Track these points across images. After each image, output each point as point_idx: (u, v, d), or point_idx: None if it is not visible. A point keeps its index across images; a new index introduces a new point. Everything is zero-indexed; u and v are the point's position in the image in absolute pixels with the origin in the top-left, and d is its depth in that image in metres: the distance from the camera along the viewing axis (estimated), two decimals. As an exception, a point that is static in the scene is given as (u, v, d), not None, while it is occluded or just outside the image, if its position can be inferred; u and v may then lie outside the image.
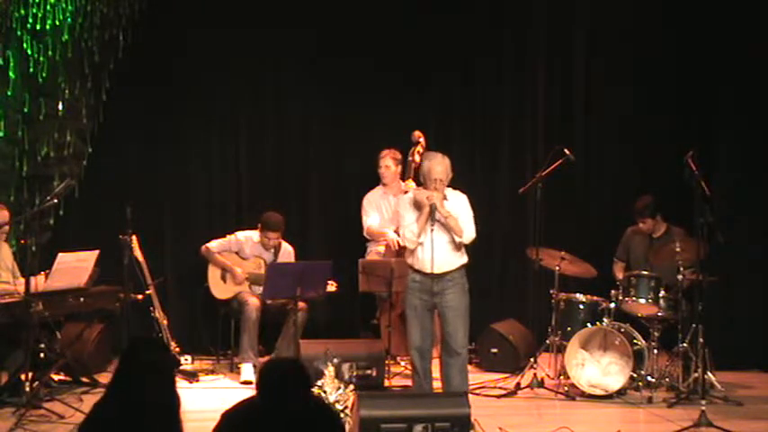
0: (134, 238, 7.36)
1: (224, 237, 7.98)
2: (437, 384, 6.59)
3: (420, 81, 8.69)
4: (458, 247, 6.36)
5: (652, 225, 7.67)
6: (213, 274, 7.93)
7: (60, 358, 6.94)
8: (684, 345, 7.10)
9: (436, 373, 6.59)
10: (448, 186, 6.41)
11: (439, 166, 6.30)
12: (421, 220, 6.27)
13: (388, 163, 8.02)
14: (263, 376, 3.45)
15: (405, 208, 6.47)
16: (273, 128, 8.77)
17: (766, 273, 8.15)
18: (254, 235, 7.93)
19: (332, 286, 7.53)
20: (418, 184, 7.78)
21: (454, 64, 8.77)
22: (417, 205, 6.34)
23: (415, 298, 6.41)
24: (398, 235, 7.81)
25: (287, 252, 8.00)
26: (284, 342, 7.56)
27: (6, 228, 7.11)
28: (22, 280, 6.55)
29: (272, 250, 7.94)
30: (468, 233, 6.36)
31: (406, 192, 7.88)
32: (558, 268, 7.44)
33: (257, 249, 7.94)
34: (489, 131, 8.94)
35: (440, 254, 6.24)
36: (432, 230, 6.25)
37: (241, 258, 7.94)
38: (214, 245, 7.93)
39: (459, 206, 6.37)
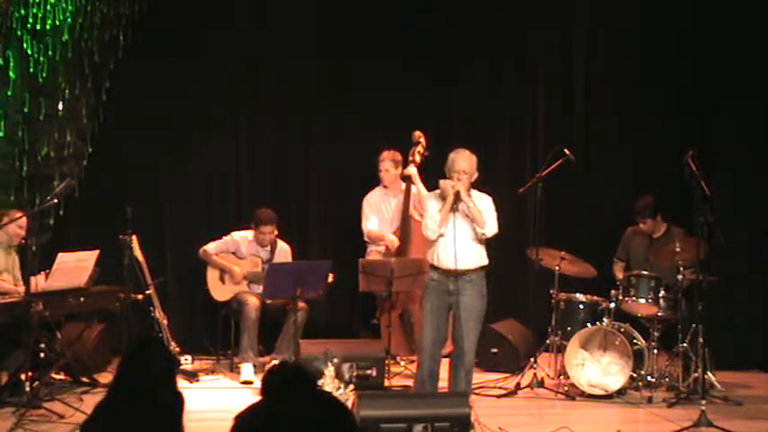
0: (134, 238, 7.36)
1: (220, 238, 7.99)
2: (442, 385, 6.55)
3: (420, 81, 8.69)
4: (480, 243, 6.29)
5: (652, 225, 7.67)
6: (212, 276, 7.94)
7: (60, 358, 6.94)
8: (684, 345, 7.10)
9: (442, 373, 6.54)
10: (473, 188, 6.37)
11: (463, 159, 6.26)
12: (444, 209, 6.18)
13: (388, 166, 8.01)
14: (265, 385, 3.41)
15: (429, 199, 6.42)
16: (273, 128, 8.78)
17: (766, 273, 8.15)
18: (250, 234, 7.95)
19: (330, 277, 7.52)
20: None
21: (454, 64, 8.77)
22: (442, 196, 6.29)
23: (433, 298, 6.32)
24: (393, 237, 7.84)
25: (284, 251, 8.01)
26: (284, 342, 7.56)
27: (22, 232, 7.01)
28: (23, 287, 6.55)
29: (269, 248, 7.94)
30: (491, 226, 6.29)
31: (405, 191, 7.90)
32: (558, 268, 7.44)
33: (254, 248, 7.94)
34: (489, 131, 8.94)
35: (462, 248, 6.15)
36: (455, 220, 6.17)
37: (238, 258, 7.95)
38: (211, 247, 7.94)
39: (483, 204, 6.31)
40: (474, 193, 6.33)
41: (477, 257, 6.31)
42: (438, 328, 6.33)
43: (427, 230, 6.29)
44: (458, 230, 6.16)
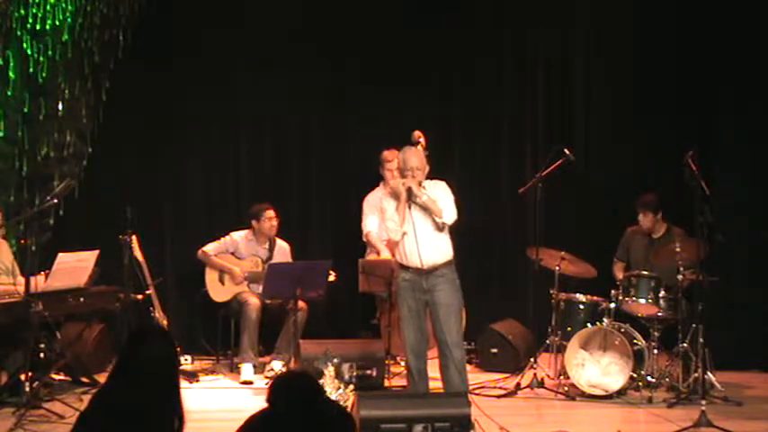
0: (134, 238, 7.36)
1: (219, 239, 7.99)
2: (434, 384, 6.54)
3: (420, 81, 8.69)
4: (443, 233, 6.29)
5: (652, 220, 7.65)
6: (211, 277, 7.93)
7: (60, 358, 6.94)
8: (684, 345, 7.09)
9: (434, 373, 6.54)
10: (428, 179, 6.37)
11: (414, 157, 6.31)
12: (400, 207, 6.21)
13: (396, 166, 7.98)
14: (273, 393, 3.37)
15: (385, 201, 6.45)
16: (273, 128, 8.78)
17: (766, 273, 8.14)
18: (249, 233, 7.94)
19: (331, 276, 7.52)
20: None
21: (454, 64, 8.78)
22: (395, 196, 6.31)
23: (408, 297, 6.32)
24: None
25: (282, 249, 8.01)
26: (284, 342, 7.56)
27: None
28: (22, 280, 6.55)
29: (268, 246, 7.94)
30: (449, 213, 6.28)
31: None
32: (558, 268, 7.43)
33: (253, 248, 7.95)
34: (489, 131, 8.95)
35: (425, 243, 6.16)
36: (412, 217, 6.17)
37: (237, 258, 7.95)
38: (210, 248, 7.94)
39: (437, 192, 6.31)
40: (427, 182, 6.34)
41: (444, 250, 6.31)
42: (419, 327, 6.33)
43: (389, 232, 6.35)
44: (418, 226, 6.18)
